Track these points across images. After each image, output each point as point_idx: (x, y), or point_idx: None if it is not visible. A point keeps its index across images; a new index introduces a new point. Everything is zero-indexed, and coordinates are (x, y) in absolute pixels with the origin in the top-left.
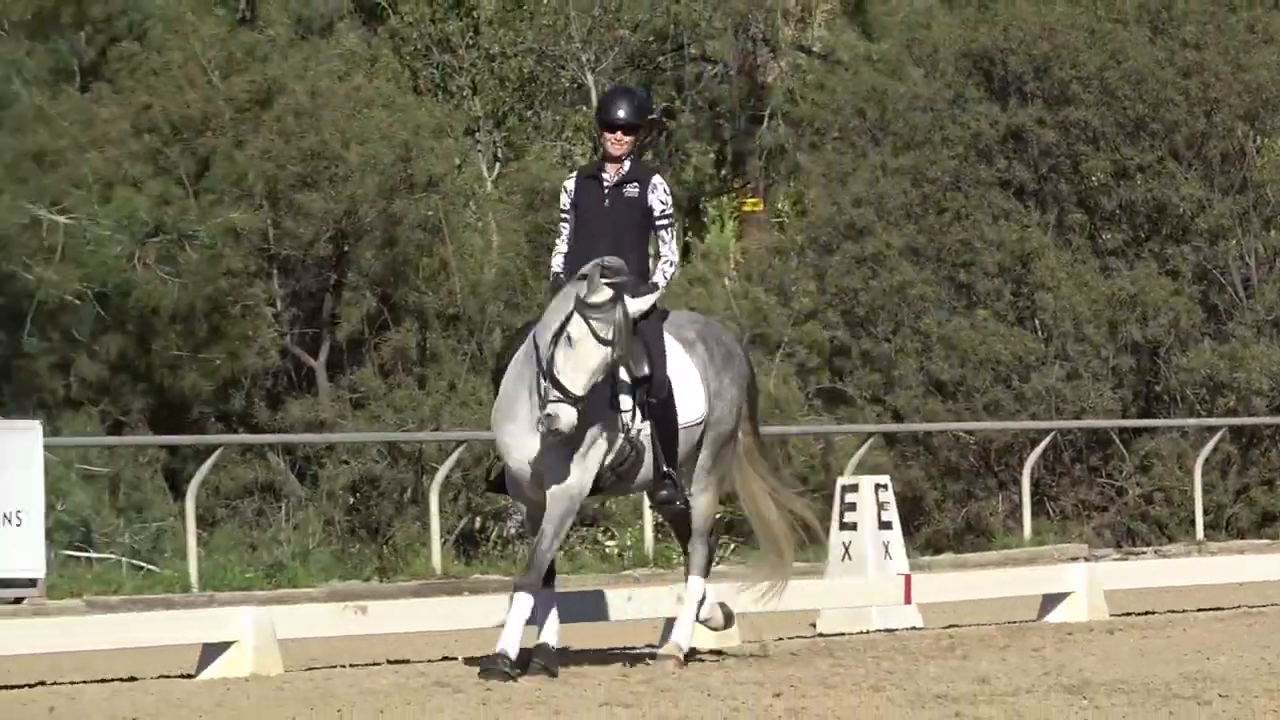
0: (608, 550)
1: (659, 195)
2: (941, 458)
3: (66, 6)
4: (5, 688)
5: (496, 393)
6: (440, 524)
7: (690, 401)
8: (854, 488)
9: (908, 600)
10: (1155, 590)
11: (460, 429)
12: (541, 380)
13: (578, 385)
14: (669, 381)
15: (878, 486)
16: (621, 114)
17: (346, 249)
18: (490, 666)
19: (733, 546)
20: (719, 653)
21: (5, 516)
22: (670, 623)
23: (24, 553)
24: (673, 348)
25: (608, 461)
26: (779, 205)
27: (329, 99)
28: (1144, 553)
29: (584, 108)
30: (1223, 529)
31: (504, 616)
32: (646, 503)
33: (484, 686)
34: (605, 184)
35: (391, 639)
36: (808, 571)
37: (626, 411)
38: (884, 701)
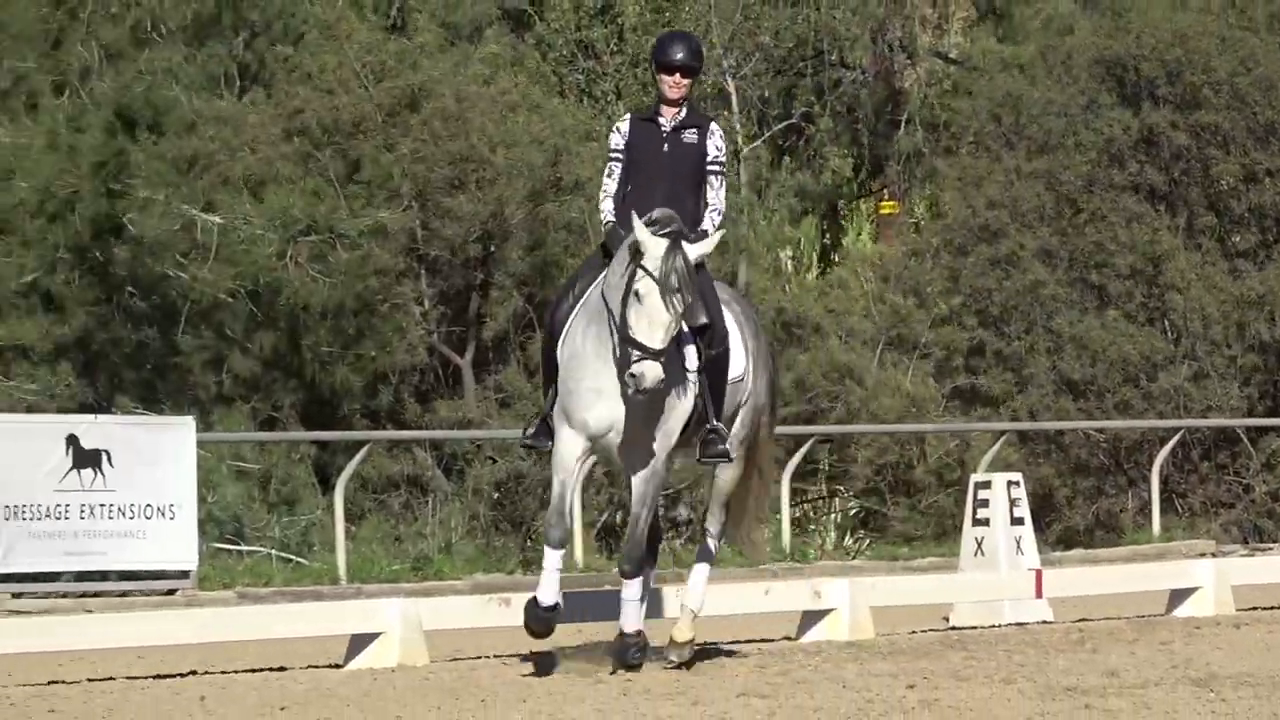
0: None
1: (715, 141)
2: (1072, 455)
3: (224, 12)
4: (158, 677)
5: (553, 321)
6: (582, 518)
7: (734, 357)
8: (987, 484)
9: (1039, 595)
10: None
11: None
12: (617, 340)
13: (656, 339)
14: (726, 333)
15: (1010, 483)
16: (680, 56)
17: (493, 249)
18: (620, 654)
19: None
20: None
21: (159, 510)
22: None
23: (177, 546)
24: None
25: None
26: (915, 208)
27: (475, 103)
28: (1270, 549)
29: (725, 112)
30: None
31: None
32: (786, 498)
33: (624, 678)
34: (663, 128)
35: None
36: (941, 566)
37: (693, 371)
38: (1015, 694)
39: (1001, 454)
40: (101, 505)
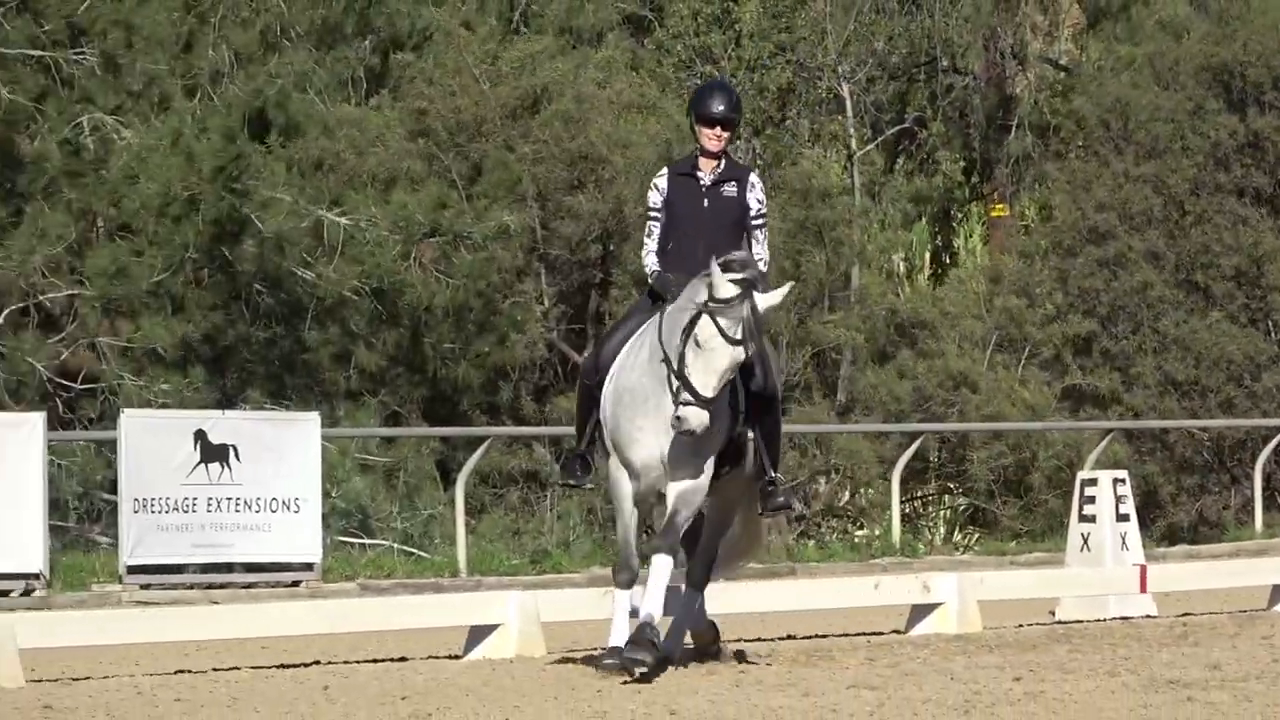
0: (857, 540)
1: (756, 194)
2: (1177, 453)
3: (349, 17)
4: (282, 667)
5: (598, 360)
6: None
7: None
8: (1093, 482)
9: (1143, 589)
10: None
11: None
12: (672, 379)
13: (709, 388)
14: (777, 381)
15: (1116, 481)
16: (721, 108)
17: (612, 248)
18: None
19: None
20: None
21: (284, 504)
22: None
23: (301, 538)
24: None
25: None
26: (1025, 211)
27: (594, 104)
28: None
29: (839, 117)
30: None
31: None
32: (896, 494)
33: (738, 669)
34: (702, 183)
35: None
36: (1047, 562)
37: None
38: (1119, 686)
39: (1108, 452)
40: (228, 499)
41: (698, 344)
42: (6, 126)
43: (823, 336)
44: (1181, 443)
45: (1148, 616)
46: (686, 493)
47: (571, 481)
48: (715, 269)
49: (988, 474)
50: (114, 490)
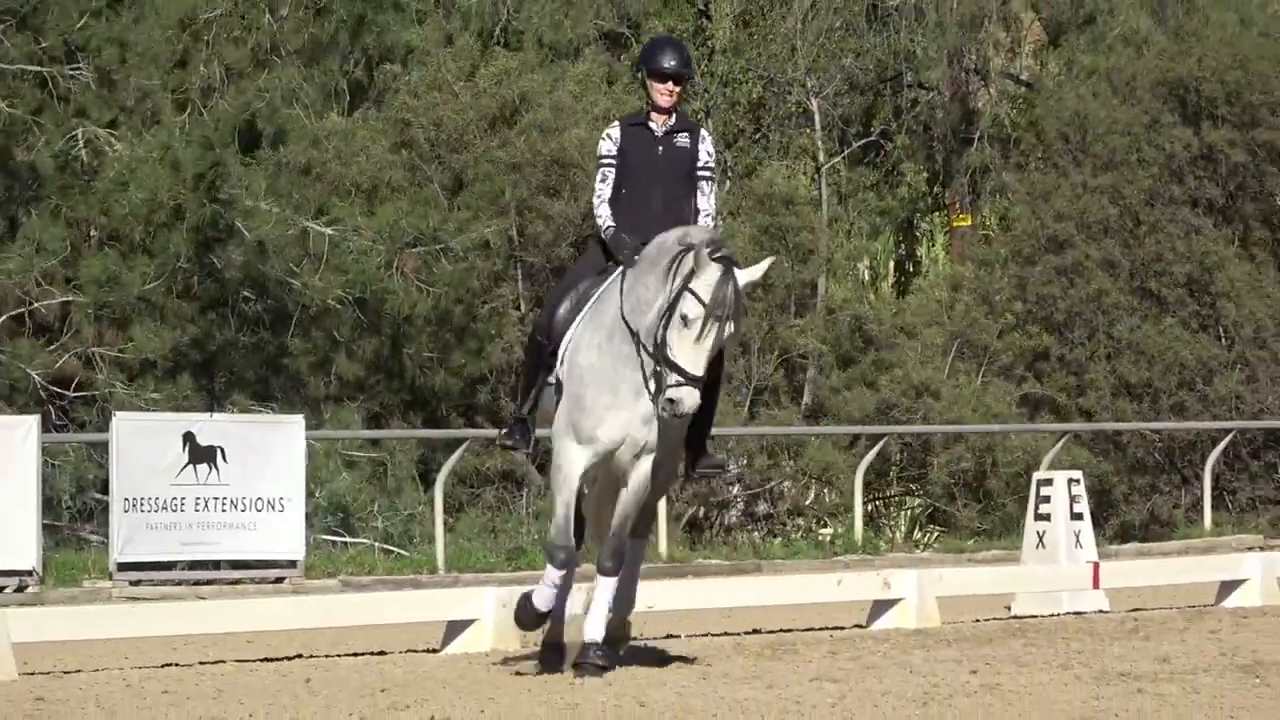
0: (821, 538)
1: (707, 147)
2: (1130, 455)
3: (341, 33)
4: (266, 660)
5: (551, 323)
6: (667, 511)
7: None
8: (1049, 482)
9: (1095, 585)
10: None
11: None
12: (645, 362)
13: (698, 367)
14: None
15: (1070, 481)
16: (673, 63)
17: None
18: (582, 661)
19: None
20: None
21: (269, 503)
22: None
23: (286, 536)
24: None
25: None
26: (986, 220)
27: (570, 113)
28: None
29: (808, 130)
30: None
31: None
32: (859, 494)
33: (704, 661)
34: (655, 133)
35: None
36: (1004, 559)
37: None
38: (1072, 679)
39: (1062, 453)
40: (215, 498)
41: (685, 323)
42: (5, 139)
43: (791, 343)
44: (1134, 444)
45: (1100, 611)
46: (655, 497)
47: (510, 444)
48: (699, 248)
49: (947, 476)
50: (105, 490)
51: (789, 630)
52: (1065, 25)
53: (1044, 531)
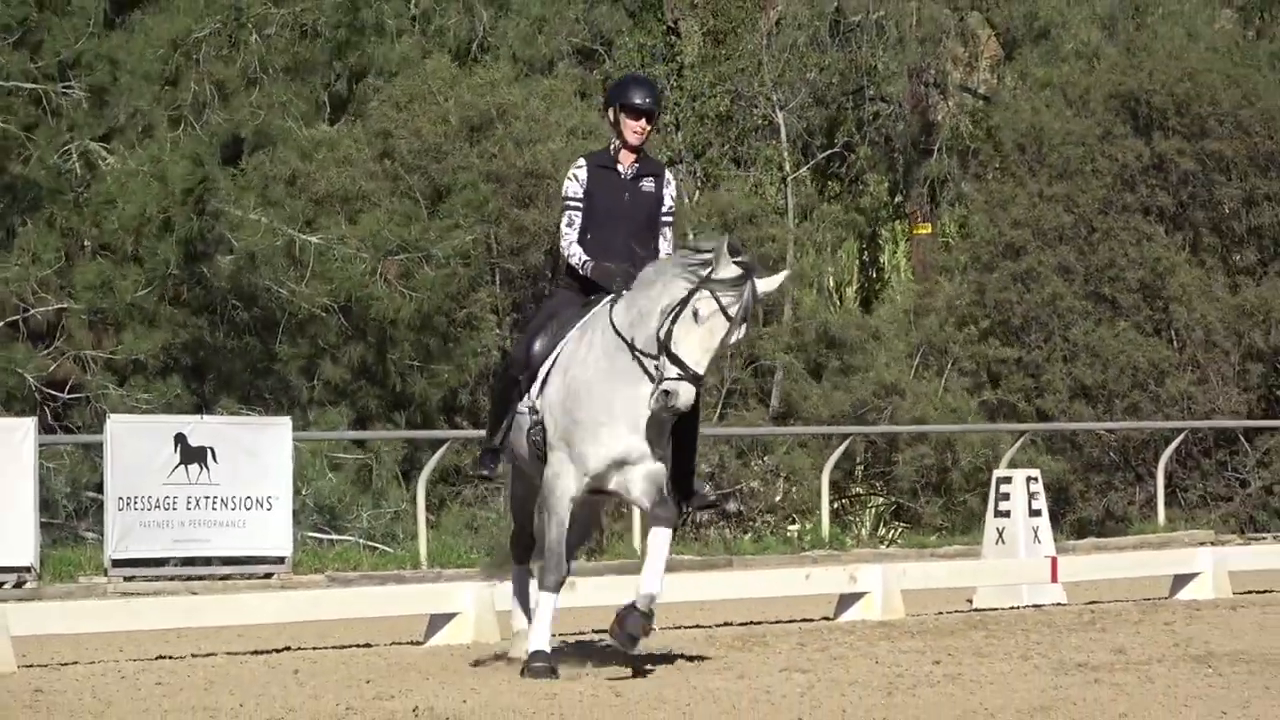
0: (789, 534)
1: (670, 191)
2: (1086, 454)
3: (328, 51)
4: (255, 653)
5: (528, 357)
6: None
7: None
8: (1008, 480)
9: (1054, 579)
10: (1275, 571)
11: None
12: (636, 354)
13: (702, 364)
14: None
15: (1029, 479)
16: (647, 100)
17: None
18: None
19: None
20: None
21: (258, 502)
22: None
23: (274, 534)
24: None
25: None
26: (946, 229)
27: (544, 125)
28: (1264, 538)
29: (774, 142)
30: None
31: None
32: (825, 492)
33: (678, 653)
34: (624, 176)
35: (596, 611)
36: (966, 554)
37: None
38: (1031, 669)
39: (1021, 452)
40: (206, 497)
41: (696, 318)
42: (1, 153)
43: (760, 349)
44: (1090, 444)
45: (1058, 604)
46: (656, 475)
47: (484, 473)
48: (719, 249)
49: (911, 474)
50: (100, 489)
51: (759, 623)
52: (1020, 40)
53: (1004, 528)
